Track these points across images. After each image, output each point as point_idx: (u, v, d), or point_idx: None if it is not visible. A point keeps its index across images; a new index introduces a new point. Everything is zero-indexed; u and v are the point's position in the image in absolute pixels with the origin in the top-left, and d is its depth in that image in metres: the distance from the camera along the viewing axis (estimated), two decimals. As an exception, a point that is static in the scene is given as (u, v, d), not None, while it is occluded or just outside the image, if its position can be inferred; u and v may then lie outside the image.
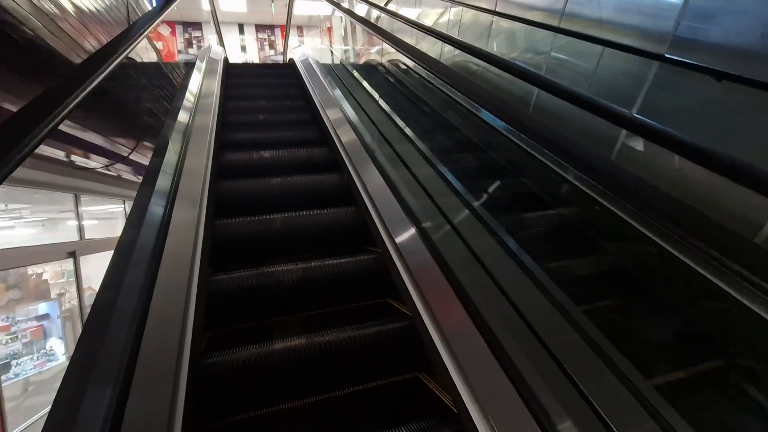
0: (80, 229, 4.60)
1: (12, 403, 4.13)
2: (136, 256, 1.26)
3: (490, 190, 2.05)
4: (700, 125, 1.44)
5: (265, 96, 3.64)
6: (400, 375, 1.29)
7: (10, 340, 4.45)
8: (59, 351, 4.71)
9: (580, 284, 1.53)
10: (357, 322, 1.31)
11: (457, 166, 2.21)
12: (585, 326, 1.08)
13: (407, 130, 2.44)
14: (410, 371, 1.30)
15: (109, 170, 4.12)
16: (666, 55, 1.54)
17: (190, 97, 2.70)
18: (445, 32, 2.42)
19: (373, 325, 1.30)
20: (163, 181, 1.64)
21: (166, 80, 4.03)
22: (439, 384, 1.19)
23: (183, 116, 2.35)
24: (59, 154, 3.18)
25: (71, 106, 1.05)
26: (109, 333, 1.02)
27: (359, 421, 1.12)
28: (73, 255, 4.27)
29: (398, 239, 1.48)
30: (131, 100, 3.31)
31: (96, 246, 4.75)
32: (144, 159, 3.81)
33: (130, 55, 1.77)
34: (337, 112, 2.74)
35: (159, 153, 1.83)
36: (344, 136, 2.39)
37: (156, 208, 1.49)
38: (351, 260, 1.55)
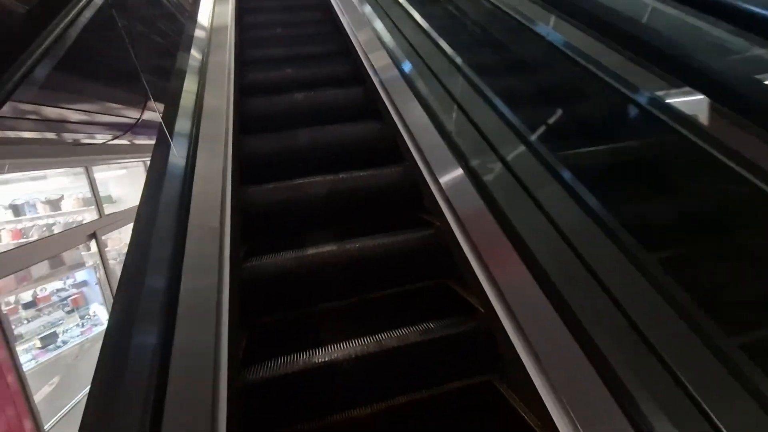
0: (98, 206, 4.54)
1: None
2: (169, 174, 1.33)
3: (525, 99, 1.94)
4: None
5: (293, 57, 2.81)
6: (429, 280, 1.37)
7: (52, 309, 4.71)
8: (103, 316, 4.97)
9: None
10: (387, 231, 1.37)
11: (494, 80, 2.07)
12: (627, 242, 1.04)
13: (442, 44, 2.24)
14: (440, 277, 1.37)
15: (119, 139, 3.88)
16: None
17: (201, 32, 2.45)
18: None
19: (402, 233, 1.35)
20: (187, 102, 1.66)
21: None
22: (467, 289, 1.25)
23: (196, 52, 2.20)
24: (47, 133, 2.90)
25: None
26: (153, 246, 1.12)
27: (391, 318, 1.22)
28: (94, 236, 4.31)
29: (426, 151, 1.49)
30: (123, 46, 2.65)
31: (117, 222, 4.70)
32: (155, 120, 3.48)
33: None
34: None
35: (179, 78, 1.81)
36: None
37: (183, 129, 1.53)
38: (379, 172, 1.58)
